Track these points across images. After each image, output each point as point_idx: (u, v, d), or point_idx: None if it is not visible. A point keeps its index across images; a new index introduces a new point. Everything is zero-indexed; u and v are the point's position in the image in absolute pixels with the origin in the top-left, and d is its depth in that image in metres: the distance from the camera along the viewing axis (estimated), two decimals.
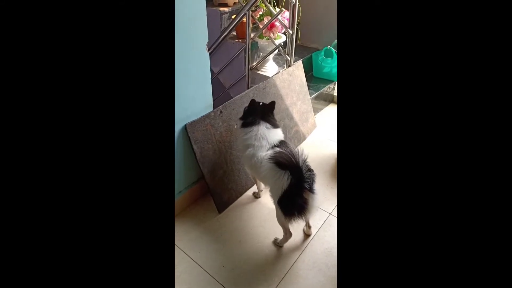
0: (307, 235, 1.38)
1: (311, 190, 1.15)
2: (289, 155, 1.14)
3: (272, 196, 1.24)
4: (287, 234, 1.31)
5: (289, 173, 1.13)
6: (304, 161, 1.14)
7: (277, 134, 1.34)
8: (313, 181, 1.16)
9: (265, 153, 1.26)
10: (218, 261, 1.28)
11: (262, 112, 1.36)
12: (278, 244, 1.34)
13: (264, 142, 1.30)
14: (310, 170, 1.16)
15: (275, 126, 1.36)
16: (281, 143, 1.31)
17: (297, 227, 1.40)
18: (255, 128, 1.32)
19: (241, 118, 1.39)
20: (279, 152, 1.20)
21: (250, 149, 1.31)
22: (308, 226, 1.38)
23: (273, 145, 1.30)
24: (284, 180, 1.13)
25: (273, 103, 1.38)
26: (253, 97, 1.63)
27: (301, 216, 1.18)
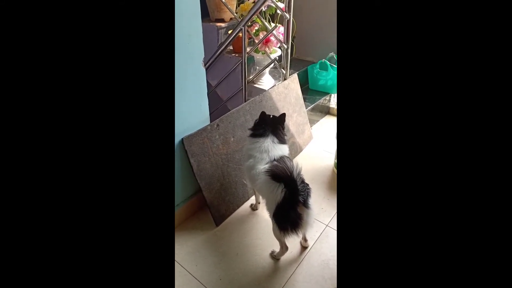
0: (304, 247, 1.39)
1: (305, 204, 1.13)
2: (284, 167, 1.14)
3: (268, 209, 1.24)
4: (283, 248, 1.31)
5: (283, 186, 1.13)
6: (298, 173, 1.13)
7: (281, 150, 1.34)
8: (308, 195, 1.15)
9: (263, 167, 1.27)
10: (216, 275, 1.27)
11: (272, 125, 1.37)
12: (275, 257, 1.34)
13: (265, 156, 1.30)
14: (304, 182, 1.15)
15: (282, 141, 1.37)
16: (280, 158, 1.31)
17: (294, 239, 1.41)
18: (262, 140, 1.33)
19: (251, 128, 1.39)
20: (274, 165, 1.21)
21: (251, 159, 1.32)
22: (304, 239, 1.38)
23: (272, 159, 1.30)
24: (278, 192, 1.13)
25: (283, 116, 1.39)
26: (249, 110, 1.66)
27: (295, 232, 1.16)
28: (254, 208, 1.59)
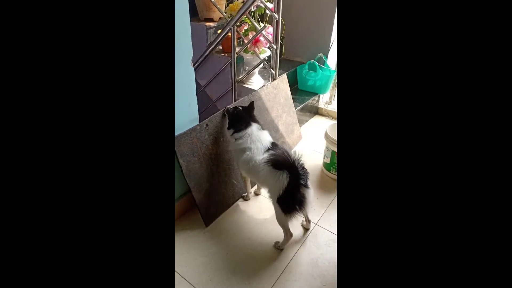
0: (306, 229, 1.47)
1: (306, 185, 1.23)
2: (285, 156, 1.22)
3: (271, 196, 1.30)
4: (288, 234, 1.35)
5: (287, 173, 1.20)
6: (298, 160, 1.22)
7: (267, 136, 1.42)
8: (307, 178, 1.24)
9: (261, 157, 1.33)
10: (205, 275, 1.27)
11: (248, 114, 1.43)
12: (279, 247, 1.37)
13: (259, 145, 1.37)
14: (304, 168, 1.24)
15: (263, 127, 1.44)
16: (273, 145, 1.39)
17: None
18: (248, 130, 1.38)
19: (230, 127, 1.42)
20: (274, 155, 1.27)
21: (247, 152, 1.37)
22: (307, 220, 1.45)
23: (267, 147, 1.37)
24: (284, 179, 1.20)
25: (252, 103, 1.46)
26: None
27: (301, 210, 1.26)
28: (246, 198, 1.63)
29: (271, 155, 1.29)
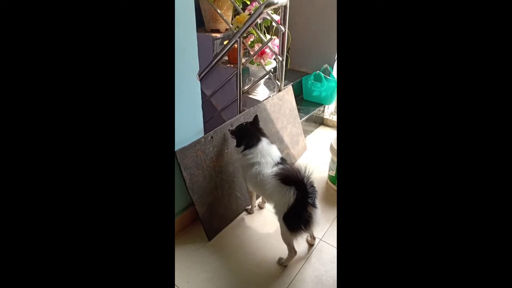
0: (310, 245, 1.44)
1: (314, 205, 1.19)
2: (294, 171, 1.19)
3: (277, 212, 1.27)
4: (292, 252, 1.32)
5: (294, 189, 1.17)
6: (308, 177, 1.18)
7: (276, 150, 1.41)
8: (315, 197, 1.20)
9: (270, 170, 1.31)
10: None
11: (256, 129, 1.41)
12: (282, 264, 1.34)
13: (269, 159, 1.35)
14: (313, 186, 1.20)
15: (272, 141, 1.43)
16: (283, 160, 1.37)
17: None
18: (259, 146, 1.37)
19: (240, 144, 1.39)
20: (284, 169, 1.25)
21: (256, 166, 1.35)
22: (312, 237, 1.43)
23: (276, 162, 1.35)
24: (290, 195, 1.17)
25: (256, 117, 1.44)
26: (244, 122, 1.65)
27: (307, 230, 1.22)
28: (250, 211, 1.61)
29: (280, 169, 1.27)
